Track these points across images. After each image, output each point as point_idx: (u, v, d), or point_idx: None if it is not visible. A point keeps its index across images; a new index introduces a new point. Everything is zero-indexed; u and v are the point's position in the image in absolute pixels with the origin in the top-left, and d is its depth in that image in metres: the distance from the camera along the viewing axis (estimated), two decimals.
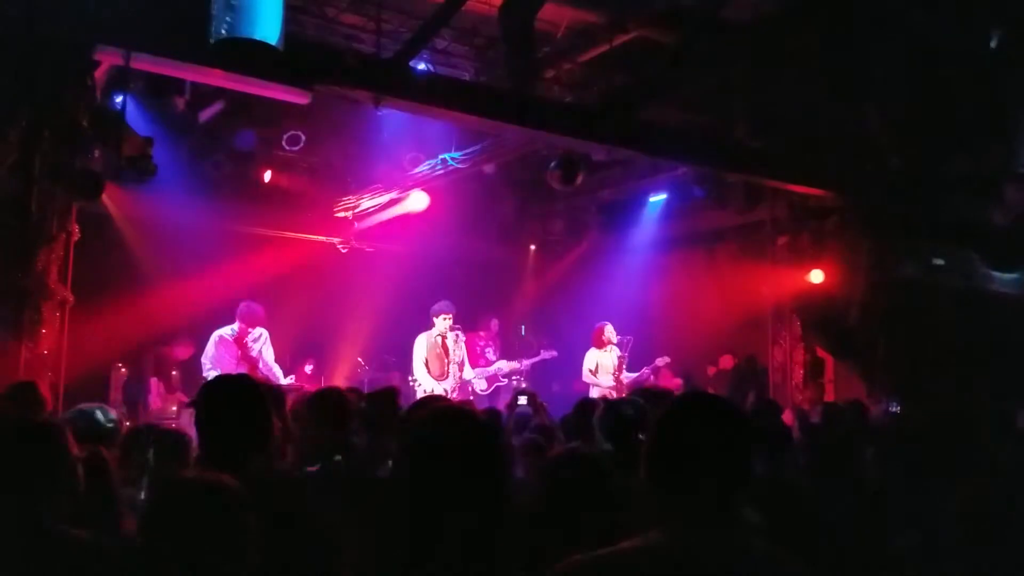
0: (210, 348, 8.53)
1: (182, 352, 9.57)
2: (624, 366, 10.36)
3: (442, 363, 9.39)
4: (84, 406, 3.82)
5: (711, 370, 11.50)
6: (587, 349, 10.51)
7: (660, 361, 10.43)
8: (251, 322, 8.66)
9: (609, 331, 10.39)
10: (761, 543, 1.75)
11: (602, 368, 10.29)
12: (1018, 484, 3.79)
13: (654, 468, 1.78)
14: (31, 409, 4.13)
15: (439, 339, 9.40)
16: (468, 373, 9.67)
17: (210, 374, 8.51)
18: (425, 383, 9.27)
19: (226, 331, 8.60)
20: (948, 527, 3.51)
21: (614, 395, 9.26)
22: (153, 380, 9.56)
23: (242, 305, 8.71)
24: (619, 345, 10.43)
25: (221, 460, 2.39)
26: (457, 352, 9.42)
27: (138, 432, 3.81)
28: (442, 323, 9.38)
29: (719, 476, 1.71)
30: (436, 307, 9.50)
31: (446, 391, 9.01)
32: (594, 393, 9.88)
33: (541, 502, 2.63)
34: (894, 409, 8.09)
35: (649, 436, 1.84)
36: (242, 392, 2.67)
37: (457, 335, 9.47)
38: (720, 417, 1.77)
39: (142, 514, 2.24)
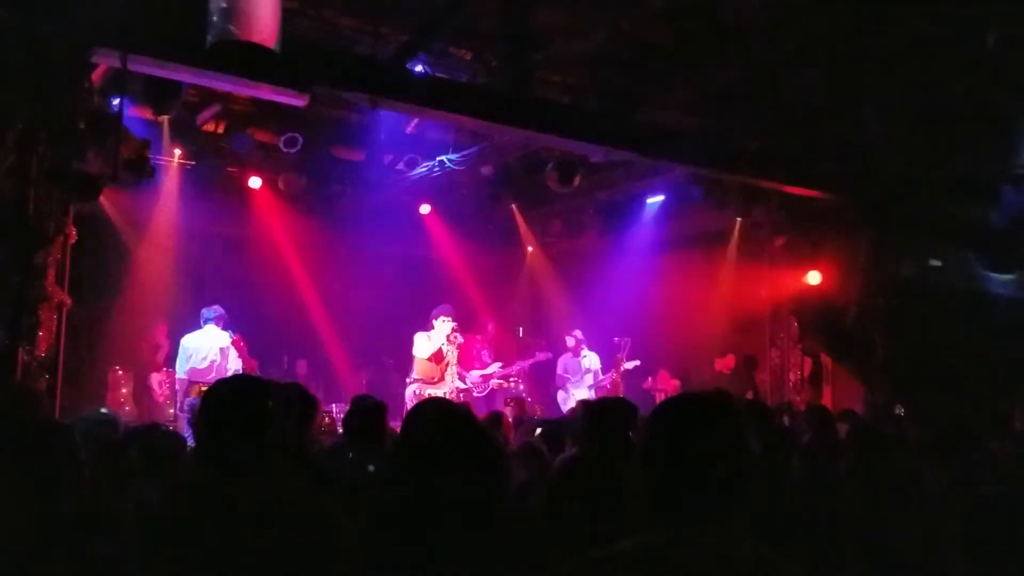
0: (226, 353, 8.59)
1: (160, 335, 9.58)
2: (622, 367, 10.44)
3: (435, 368, 9.43)
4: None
5: (708, 371, 11.52)
6: (590, 350, 10.66)
7: (621, 355, 10.55)
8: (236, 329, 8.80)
9: (572, 337, 10.55)
10: (756, 544, 1.75)
11: (571, 374, 10.46)
12: (1017, 484, 3.80)
13: (649, 468, 1.78)
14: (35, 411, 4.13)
15: (439, 343, 9.43)
16: (466, 375, 9.69)
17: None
18: (419, 385, 9.31)
19: (226, 337, 8.65)
20: (948, 528, 3.51)
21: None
22: (152, 375, 9.59)
23: (221, 312, 8.77)
24: (617, 346, 10.48)
25: (219, 461, 2.39)
26: (453, 355, 9.44)
27: (132, 434, 3.82)
28: (442, 326, 9.41)
29: (713, 475, 1.71)
30: (436, 310, 9.55)
31: (445, 394, 9.05)
32: (559, 397, 10.05)
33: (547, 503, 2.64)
34: (899, 412, 8.10)
35: (644, 436, 1.84)
36: (248, 393, 2.64)
37: (455, 336, 9.49)
38: (714, 416, 1.77)
39: (145, 517, 2.25)
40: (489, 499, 2.05)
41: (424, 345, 9.46)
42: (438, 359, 9.47)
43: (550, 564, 1.80)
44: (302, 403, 3.74)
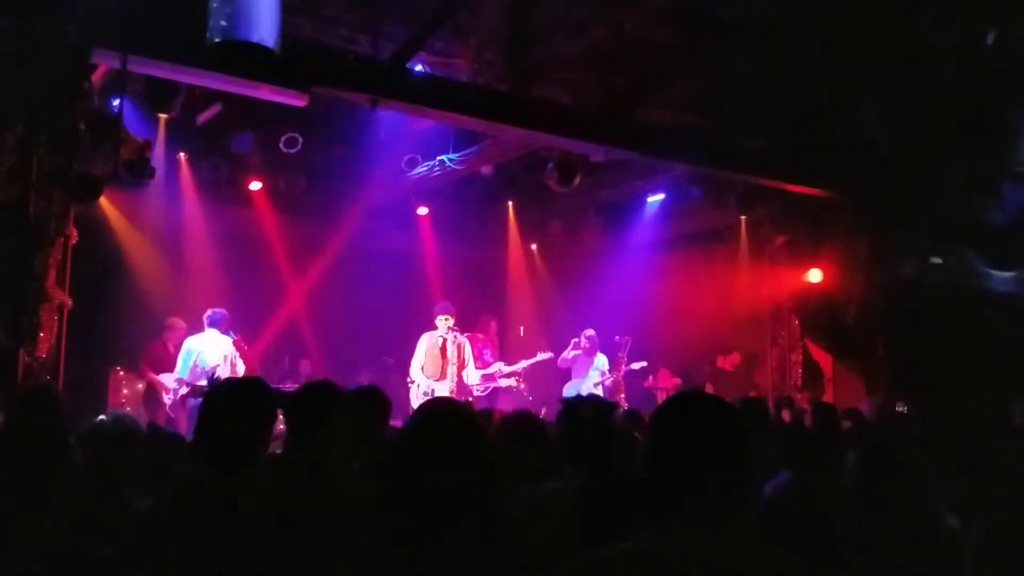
0: (228, 355, 8.58)
1: (179, 335, 9.56)
2: (624, 366, 10.45)
3: (438, 364, 9.43)
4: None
5: (709, 369, 11.53)
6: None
7: (622, 354, 10.56)
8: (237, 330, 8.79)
9: (585, 337, 10.57)
10: (758, 543, 1.75)
11: (579, 373, 10.49)
12: (1017, 482, 3.80)
13: (650, 467, 1.78)
14: (47, 415, 4.09)
15: (440, 340, 9.43)
16: (472, 376, 9.67)
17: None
18: (422, 383, 9.31)
19: (228, 339, 8.63)
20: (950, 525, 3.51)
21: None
22: (153, 376, 9.56)
23: (224, 314, 8.73)
24: (617, 345, 10.49)
25: (220, 462, 2.39)
26: (453, 352, 9.44)
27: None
28: (442, 323, 9.43)
29: (715, 475, 1.71)
30: (437, 307, 9.57)
31: (450, 392, 9.07)
32: (567, 392, 10.02)
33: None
34: (901, 409, 8.10)
35: (645, 436, 1.84)
36: (249, 395, 2.64)
37: (455, 335, 9.49)
38: (714, 416, 1.77)
39: (149, 519, 2.25)
40: (487, 500, 2.06)
41: (427, 344, 9.48)
42: (440, 358, 9.47)
43: (549, 565, 1.80)
44: (378, 404, 3.76)
